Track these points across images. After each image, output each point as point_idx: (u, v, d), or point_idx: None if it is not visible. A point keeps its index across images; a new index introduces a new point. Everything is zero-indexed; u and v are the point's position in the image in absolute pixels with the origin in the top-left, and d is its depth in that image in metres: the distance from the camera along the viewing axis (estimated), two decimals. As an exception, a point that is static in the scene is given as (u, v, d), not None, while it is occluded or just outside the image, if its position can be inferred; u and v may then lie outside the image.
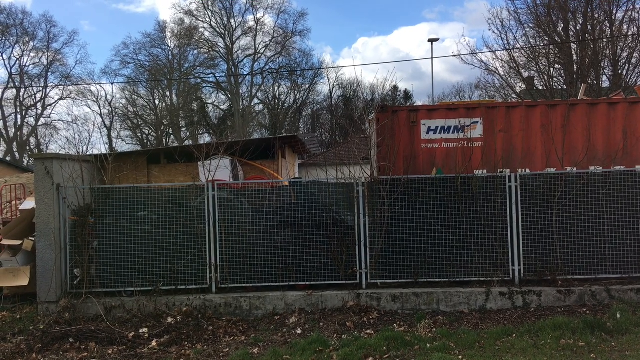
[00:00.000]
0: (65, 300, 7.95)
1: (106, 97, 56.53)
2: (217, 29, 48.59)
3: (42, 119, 47.40)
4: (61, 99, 47.79)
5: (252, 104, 50.49)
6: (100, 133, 48.07)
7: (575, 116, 9.72)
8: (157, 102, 49.64)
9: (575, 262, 8.13)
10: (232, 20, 48.61)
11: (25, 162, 41.30)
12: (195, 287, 8.26)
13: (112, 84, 49.04)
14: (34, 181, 8.46)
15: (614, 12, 25.11)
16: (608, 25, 25.36)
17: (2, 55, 45.46)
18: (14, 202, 11.87)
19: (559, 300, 7.86)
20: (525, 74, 28.20)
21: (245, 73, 49.32)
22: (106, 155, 9.36)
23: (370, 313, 7.75)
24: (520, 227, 8.19)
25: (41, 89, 46.67)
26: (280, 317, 7.84)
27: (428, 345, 6.44)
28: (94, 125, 48.54)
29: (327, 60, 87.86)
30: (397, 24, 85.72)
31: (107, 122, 49.11)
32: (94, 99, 49.20)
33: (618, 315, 6.97)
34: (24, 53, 46.03)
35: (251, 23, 49.12)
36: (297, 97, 51.80)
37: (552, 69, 27.53)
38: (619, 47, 24.88)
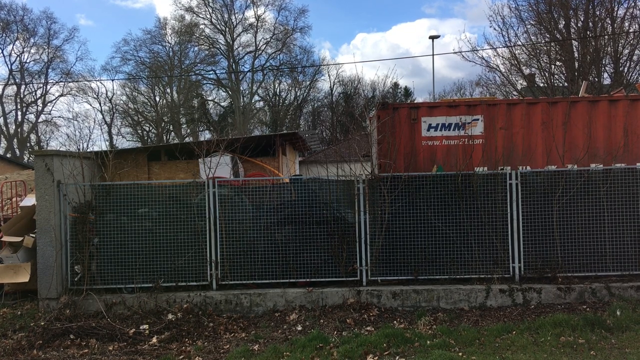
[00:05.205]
0: (66, 296, 7.96)
1: (106, 94, 56.31)
2: (218, 26, 48.60)
3: (42, 115, 47.58)
4: (61, 95, 48.09)
5: (253, 101, 50.51)
6: (101, 130, 48.30)
7: (576, 113, 9.71)
8: (157, 98, 49.67)
9: (575, 260, 8.13)
10: (233, 17, 48.65)
11: (26, 159, 41.38)
12: (195, 283, 8.27)
13: (112, 80, 49.16)
14: (35, 178, 8.46)
15: (615, 9, 25.08)
16: (609, 22, 25.31)
17: (2, 52, 45.56)
18: (14, 199, 11.86)
19: (559, 298, 7.86)
20: (526, 71, 28.15)
21: (246, 70, 49.32)
22: (106, 152, 9.36)
23: (370, 310, 7.76)
24: (520, 224, 8.19)
25: (41, 85, 46.80)
26: (280, 314, 7.85)
27: (428, 342, 6.45)
28: (94, 122, 48.69)
29: (327, 56, 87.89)
30: (395, 19, 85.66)
31: (108, 119, 49.25)
32: (95, 96, 49.35)
33: (618, 313, 6.98)
34: (25, 50, 46.14)
35: (252, 20, 49.12)
36: (298, 94, 51.78)
37: (553, 66, 27.47)
38: (620, 45, 24.85)
